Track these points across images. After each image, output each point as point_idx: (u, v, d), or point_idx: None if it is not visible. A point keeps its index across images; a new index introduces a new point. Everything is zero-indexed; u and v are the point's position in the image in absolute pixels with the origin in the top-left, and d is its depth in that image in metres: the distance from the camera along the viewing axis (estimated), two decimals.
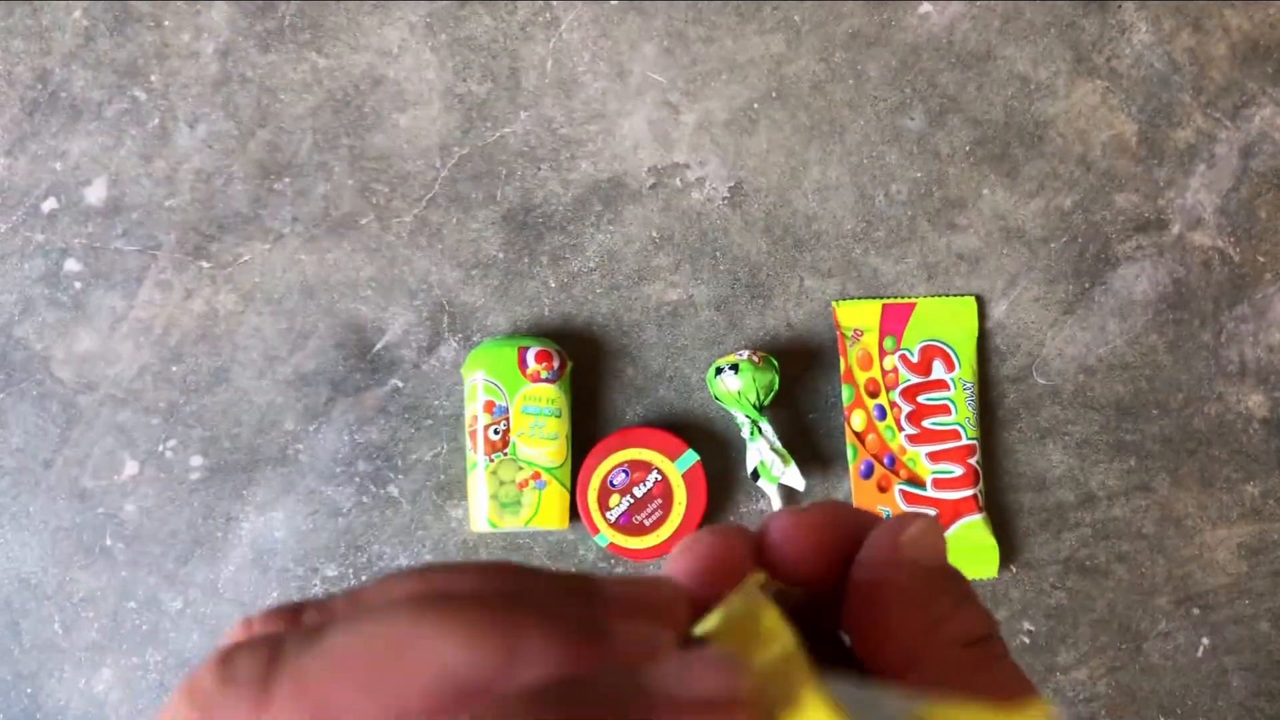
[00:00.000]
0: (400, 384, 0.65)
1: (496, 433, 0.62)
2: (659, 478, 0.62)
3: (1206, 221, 0.66)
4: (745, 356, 0.62)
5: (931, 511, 0.64)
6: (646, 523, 0.62)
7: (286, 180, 0.65)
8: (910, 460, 0.64)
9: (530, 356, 0.62)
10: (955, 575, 0.18)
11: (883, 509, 0.63)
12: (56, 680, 0.64)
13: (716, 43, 0.66)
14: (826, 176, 0.66)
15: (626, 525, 0.62)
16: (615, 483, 0.62)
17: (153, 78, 0.65)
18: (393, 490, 0.65)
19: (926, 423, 0.64)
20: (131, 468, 0.65)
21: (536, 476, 0.62)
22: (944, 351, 0.65)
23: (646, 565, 0.65)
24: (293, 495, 0.65)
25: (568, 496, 0.62)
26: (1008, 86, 0.66)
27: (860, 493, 0.64)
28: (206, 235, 0.65)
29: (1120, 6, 0.67)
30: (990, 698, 0.16)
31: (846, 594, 0.18)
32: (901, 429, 0.64)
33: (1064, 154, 0.66)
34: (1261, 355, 0.66)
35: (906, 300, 0.65)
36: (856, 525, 0.19)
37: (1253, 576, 0.66)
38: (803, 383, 0.66)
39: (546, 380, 0.62)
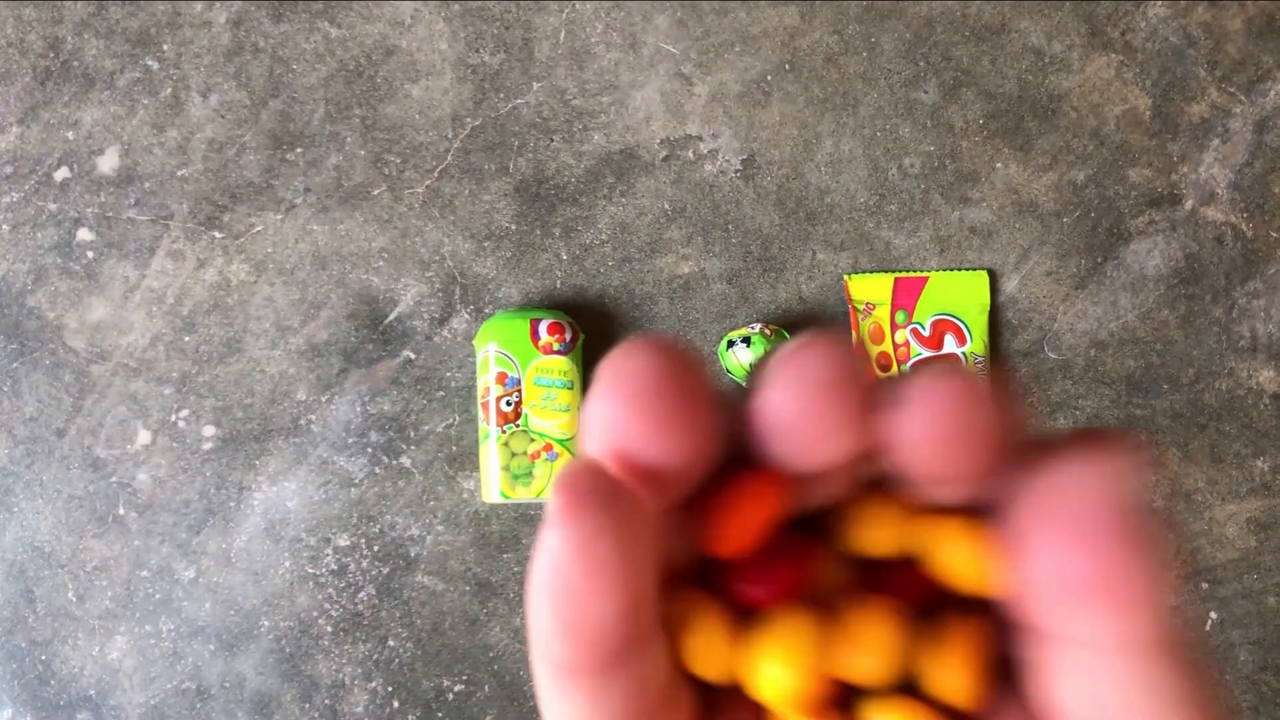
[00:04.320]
0: (412, 355, 0.65)
1: (509, 404, 0.62)
2: None
3: (1219, 196, 0.66)
4: (757, 330, 0.62)
5: None
6: None
7: (299, 150, 0.65)
8: None
9: (542, 328, 0.62)
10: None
11: None
12: (70, 648, 0.65)
13: (730, 14, 0.66)
14: (839, 150, 0.66)
15: None
16: None
17: (165, 47, 0.65)
18: (405, 461, 0.65)
19: None
20: (144, 437, 0.65)
21: (548, 448, 0.62)
22: (956, 325, 0.65)
23: None
24: (305, 465, 0.65)
25: None
26: (1022, 60, 0.66)
27: None
28: (219, 205, 0.65)
29: None
30: (1205, 683, 0.14)
31: (1032, 534, 0.13)
32: None
33: (1078, 128, 0.66)
34: (1273, 331, 0.66)
35: (919, 274, 0.65)
36: (1019, 421, 0.14)
37: (1261, 551, 0.66)
38: None
39: (559, 352, 0.62)
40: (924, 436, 0.13)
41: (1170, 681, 0.13)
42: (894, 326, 0.65)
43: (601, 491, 0.13)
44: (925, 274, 0.65)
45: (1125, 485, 0.13)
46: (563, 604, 0.13)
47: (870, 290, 0.65)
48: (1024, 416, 0.14)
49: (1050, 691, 0.14)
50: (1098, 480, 0.13)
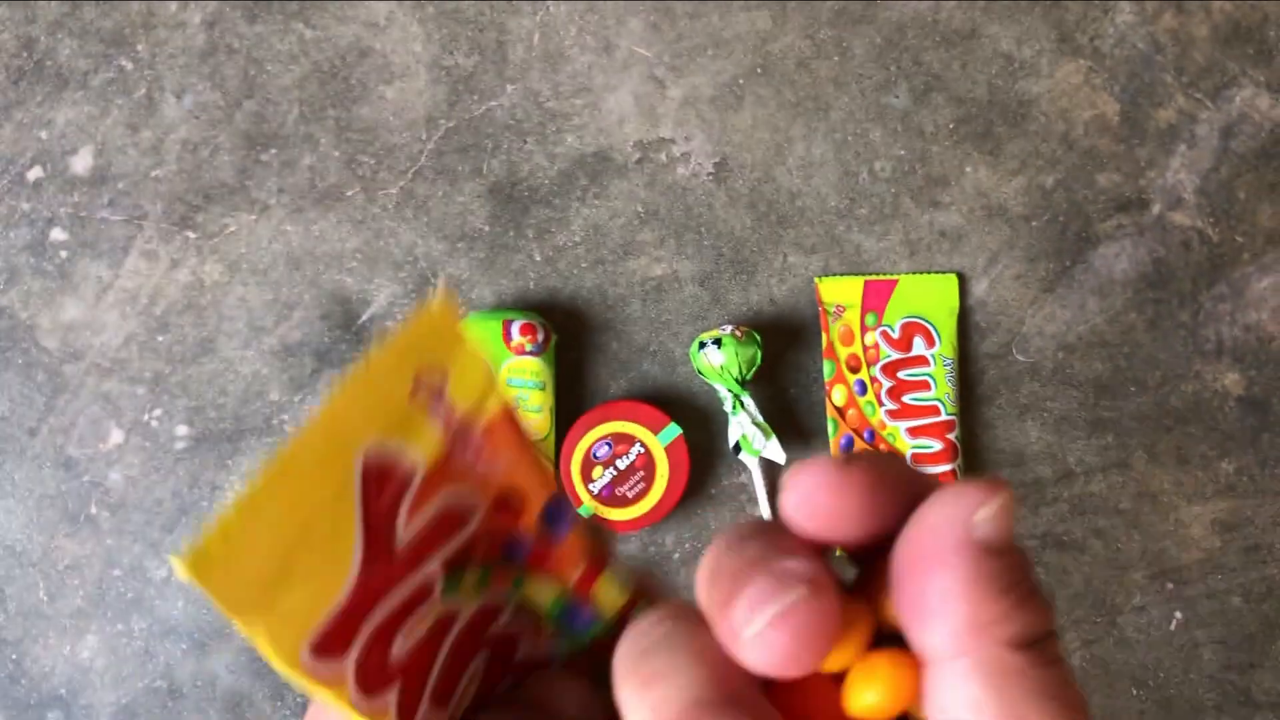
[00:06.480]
0: None
1: None
2: (642, 450, 0.63)
3: (1186, 201, 0.67)
4: (728, 331, 0.63)
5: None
6: (629, 495, 0.63)
7: (273, 151, 0.65)
8: (890, 435, 0.65)
9: (515, 329, 0.62)
10: (1022, 564, 0.16)
11: None
12: (41, 647, 0.65)
13: (703, 18, 0.66)
14: (811, 153, 0.66)
15: (609, 497, 0.63)
16: (599, 455, 0.63)
17: (139, 47, 0.65)
18: None
19: (906, 398, 0.65)
20: (117, 436, 0.65)
21: None
22: (925, 328, 0.65)
23: (629, 537, 0.66)
24: None
25: (551, 469, 0.63)
26: (991, 65, 0.67)
27: None
28: (192, 205, 0.65)
29: None
30: (1036, 705, 0.15)
31: (892, 566, 0.16)
32: (882, 404, 0.65)
33: (1046, 133, 0.67)
34: (1238, 334, 0.67)
35: (888, 277, 0.66)
36: (910, 485, 0.17)
37: (1225, 552, 0.67)
38: (785, 358, 0.67)
39: (531, 353, 0.62)
40: (796, 514, 0.17)
41: (989, 700, 0.15)
42: (864, 329, 0.65)
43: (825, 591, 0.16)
44: (895, 277, 0.66)
45: (971, 519, 0.15)
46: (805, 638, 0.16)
47: (841, 293, 0.66)
48: (896, 480, 0.17)
49: (925, 707, 0.16)
50: (946, 515, 0.16)
